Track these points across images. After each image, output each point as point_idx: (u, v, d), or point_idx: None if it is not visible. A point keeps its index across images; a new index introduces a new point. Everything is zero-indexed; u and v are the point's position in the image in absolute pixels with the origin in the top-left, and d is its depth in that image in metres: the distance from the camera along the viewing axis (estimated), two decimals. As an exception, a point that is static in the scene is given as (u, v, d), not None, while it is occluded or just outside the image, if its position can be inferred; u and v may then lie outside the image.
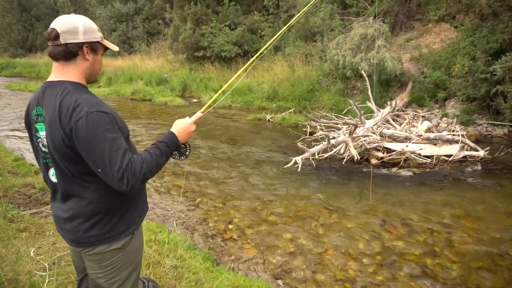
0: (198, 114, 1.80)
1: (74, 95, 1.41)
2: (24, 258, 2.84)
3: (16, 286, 2.38)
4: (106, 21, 20.08)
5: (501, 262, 3.18)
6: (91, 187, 1.49)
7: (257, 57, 2.40)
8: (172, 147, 1.60)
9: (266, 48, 2.49)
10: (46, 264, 2.78)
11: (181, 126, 1.68)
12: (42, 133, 1.49)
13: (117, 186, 1.40)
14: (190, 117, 1.75)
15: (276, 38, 2.50)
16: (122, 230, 1.59)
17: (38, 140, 1.53)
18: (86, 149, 1.38)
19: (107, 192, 1.50)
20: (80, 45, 1.47)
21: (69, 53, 1.46)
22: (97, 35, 1.53)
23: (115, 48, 1.64)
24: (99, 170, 1.39)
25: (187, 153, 1.74)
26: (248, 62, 2.36)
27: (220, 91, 2.11)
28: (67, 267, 2.80)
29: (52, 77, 1.50)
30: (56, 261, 2.87)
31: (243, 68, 2.38)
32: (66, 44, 1.45)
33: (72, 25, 1.45)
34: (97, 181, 1.47)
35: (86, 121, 1.35)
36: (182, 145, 1.70)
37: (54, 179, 1.55)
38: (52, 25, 1.46)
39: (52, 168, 1.53)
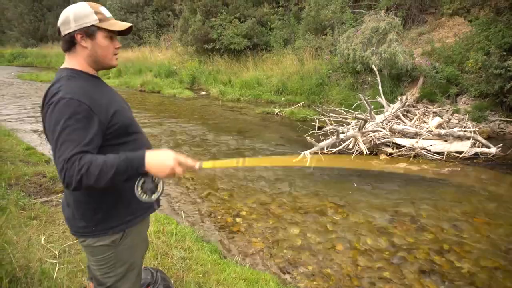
0: (192, 163, 1.45)
1: (63, 81, 1.40)
2: (35, 245, 2.88)
3: (27, 272, 2.42)
4: (117, 12, 20.10)
5: (509, 260, 3.13)
6: None
7: None
8: (130, 167, 1.31)
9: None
10: (56, 252, 2.82)
11: (159, 154, 1.38)
12: None
13: (59, 176, 1.29)
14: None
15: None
16: (108, 227, 1.51)
17: None
18: (49, 133, 1.36)
19: None
20: (72, 34, 1.43)
21: (67, 43, 1.46)
22: (91, 19, 1.43)
23: (120, 27, 1.49)
24: (54, 156, 1.32)
25: (153, 195, 1.38)
26: None
27: (239, 161, 1.65)
28: (77, 255, 2.83)
29: (63, 65, 1.52)
30: (66, 249, 2.91)
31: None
32: (64, 36, 1.46)
33: (64, 16, 1.44)
34: None
35: (54, 106, 1.32)
36: (151, 179, 1.38)
37: None
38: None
39: None
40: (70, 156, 1.26)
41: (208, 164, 1.51)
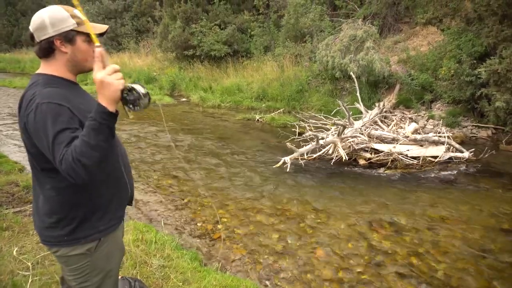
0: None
1: (38, 88, 1.36)
2: (6, 257, 2.77)
3: (-3, 286, 2.32)
4: (94, 18, 19.75)
5: (484, 261, 3.24)
6: (50, 184, 1.45)
7: None
8: (98, 117, 1.28)
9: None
10: (29, 264, 2.72)
11: (99, 89, 1.31)
12: None
13: (69, 179, 1.28)
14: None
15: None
16: (82, 236, 1.49)
17: None
18: (37, 142, 1.34)
19: (64, 192, 1.44)
20: (50, 40, 1.39)
21: (44, 50, 1.42)
22: (69, 23, 1.41)
23: (99, 30, 1.47)
24: (53, 163, 1.31)
25: (141, 100, 1.36)
26: None
27: None
28: (51, 266, 2.74)
29: (38, 70, 1.48)
30: (40, 260, 2.81)
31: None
32: (40, 42, 1.40)
33: (39, 21, 1.39)
34: (55, 179, 1.41)
35: (35, 113, 1.30)
36: (124, 93, 1.35)
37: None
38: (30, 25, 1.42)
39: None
40: (62, 155, 1.26)
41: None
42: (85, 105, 1.46)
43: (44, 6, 1.45)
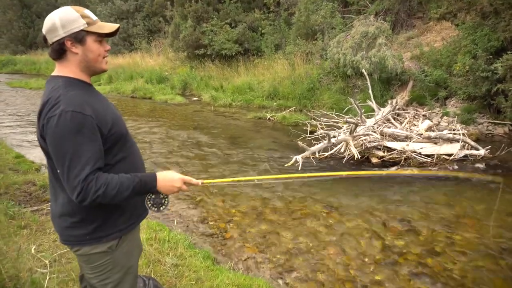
0: (196, 181, 1.69)
1: (61, 90, 1.37)
2: (25, 255, 2.84)
3: (17, 283, 2.39)
4: (107, 19, 20.02)
5: (500, 261, 3.18)
6: None
7: None
8: (145, 187, 1.47)
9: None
10: (47, 262, 2.79)
11: (167, 175, 1.56)
12: None
13: (70, 193, 1.36)
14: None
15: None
16: (103, 235, 1.52)
17: None
18: (51, 147, 1.35)
19: None
20: (61, 41, 1.40)
21: (56, 52, 1.43)
22: (79, 23, 1.41)
23: (109, 29, 1.49)
24: (58, 170, 1.36)
25: (161, 208, 1.58)
26: None
27: (240, 179, 2.10)
28: (67, 264, 2.80)
29: (53, 73, 1.49)
30: (57, 258, 2.88)
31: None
32: (52, 43, 1.42)
33: (50, 23, 1.40)
34: None
35: (58, 120, 1.31)
36: (161, 195, 1.57)
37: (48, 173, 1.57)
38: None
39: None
40: (85, 176, 1.32)
41: (208, 181, 1.82)
42: (100, 106, 1.47)
43: (59, 7, 1.47)
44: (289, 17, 12.71)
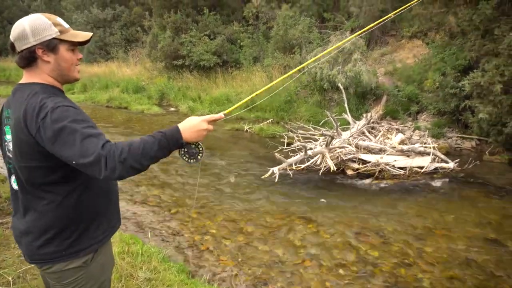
0: (218, 115, 1.52)
1: (41, 95, 1.32)
2: (-14, 272, 2.69)
3: (-24, 302, 2.24)
4: (83, 27, 19.65)
5: (469, 270, 3.28)
6: (48, 199, 1.39)
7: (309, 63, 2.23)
8: (171, 140, 1.36)
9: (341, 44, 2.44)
10: (10, 278, 2.64)
11: (189, 122, 1.43)
12: (8, 137, 1.41)
13: (98, 173, 1.25)
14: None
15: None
16: (81, 248, 1.45)
17: (5, 144, 1.45)
18: (57, 144, 1.26)
19: (64, 205, 1.40)
20: (31, 49, 1.35)
21: (26, 59, 1.37)
22: (51, 31, 1.36)
23: (83, 37, 1.44)
24: (74, 162, 1.26)
25: (198, 156, 1.50)
26: (299, 67, 2.25)
27: (251, 95, 1.96)
28: (33, 280, 2.66)
29: (22, 80, 1.43)
30: (21, 274, 2.73)
31: (287, 75, 2.21)
32: (21, 51, 1.36)
33: (19, 30, 1.34)
34: (55, 192, 1.38)
35: (51, 116, 1.26)
36: (192, 145, 1.48)
37: (15, 186, 1.45)
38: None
39: (13, 174, 1.44)
40: (102, 145, 1.24)
41: (229, 110, 1.69)
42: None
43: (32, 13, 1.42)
44: (268, 31, 12.91)
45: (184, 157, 1.49)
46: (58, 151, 1.28)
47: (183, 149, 1.47)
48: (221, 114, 1.54)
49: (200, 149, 1.51)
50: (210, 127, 1.47)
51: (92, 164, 1.23)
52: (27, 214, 1.44)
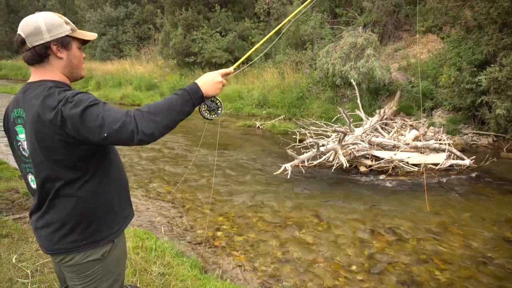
0: (229, 69, 1.62)
1: (57, 89, 1.35)
2: (5, 265, 2.75)
3: (-4, 294, 2.31)
4: (96, 25, 19.93)
5: (486, 269, 3.21)
6: (67, 192, 1.42)
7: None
8: (192, 94, 1.44)
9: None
10: (28, 271, 2.70)
11: (205, 76, 1.53)
12: (22, 136, 1.42)
13: (129, 136, 1.27)
14: None
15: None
16: (100, 238, 1.50)
17: (18, 144, 1.45)
18: (85, 123, 1.27)
19: (84, 197, 1.43)
20: (47, 45, 1.38)
21: (38, 55, 1.39)
22: (65, 29, 1.41)
23: (91, 37, 1.52)
24: (105, 134, 1.28)
25: (219, 111, 1.57)
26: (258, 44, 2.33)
27: (253, 49, 2.11)
28: (50, 274, 2.72)
29: (32, 79, 1.43)
30: (39, 268, 2.79)
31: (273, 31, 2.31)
32: (34, 47, 1.38)
33: (33, 26, 1.36)
34: (74, 185, 1.41)
35: (74, 101, 1.29)
36: (210, 100, 1.54)
37: (33, 184, 1.47)
38: (18, 30, 1.39)
39: (30, 173, 1.46)
40: (126, 112, 1.30)
41: (235, 65, 1.81)
42: None
43: (47, 12, 1.46)
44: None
45: (205, 113, 1.56)
46: (87, 130, 1.28)
47: (203, 105, 1.54)
48: (230, 69, 1.63)
49: (219, 103, 1.57)
50: (224, 80, 1.56)
51: (123, 128, 1.27)
52: (47, 210, 1.46)
